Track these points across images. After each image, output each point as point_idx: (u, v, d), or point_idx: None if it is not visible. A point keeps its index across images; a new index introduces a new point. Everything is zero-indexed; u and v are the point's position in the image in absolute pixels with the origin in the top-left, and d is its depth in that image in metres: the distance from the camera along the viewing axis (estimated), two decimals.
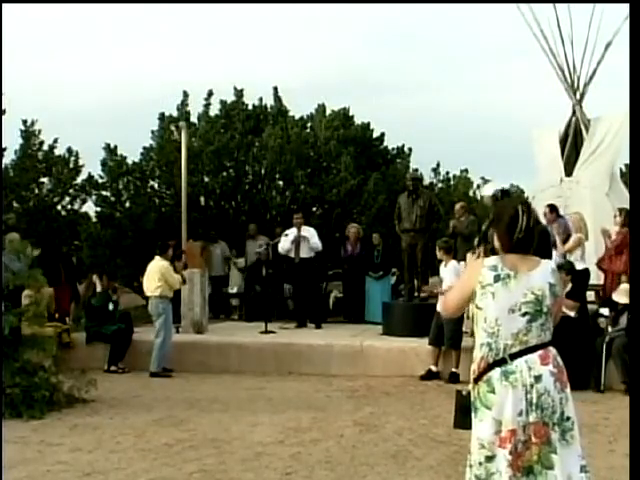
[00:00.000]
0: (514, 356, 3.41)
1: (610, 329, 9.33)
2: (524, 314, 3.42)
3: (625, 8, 11.30)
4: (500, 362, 3.42)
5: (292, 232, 12.62)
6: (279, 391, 9.20)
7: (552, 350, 3.49)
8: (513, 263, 3.48)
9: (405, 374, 9.97)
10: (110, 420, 7.67)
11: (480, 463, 3.42)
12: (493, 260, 3.52)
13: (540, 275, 3.48)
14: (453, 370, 9.78)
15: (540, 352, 3.43)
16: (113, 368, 10.59)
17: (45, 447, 6.62)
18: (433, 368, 9.92)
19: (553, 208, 11.16)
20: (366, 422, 7.51)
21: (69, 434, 7.11)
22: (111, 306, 11.34)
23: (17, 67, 30.21)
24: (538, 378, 3.38)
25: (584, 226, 10.71)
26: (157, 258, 10.59)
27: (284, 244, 12.61)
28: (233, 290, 14.72)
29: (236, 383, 9.69)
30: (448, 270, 10.03)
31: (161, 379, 9.99)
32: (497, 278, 3.45)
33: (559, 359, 3.50)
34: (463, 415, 3.55)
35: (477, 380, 3.49)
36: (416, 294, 11.69)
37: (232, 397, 8.82)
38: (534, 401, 3.36)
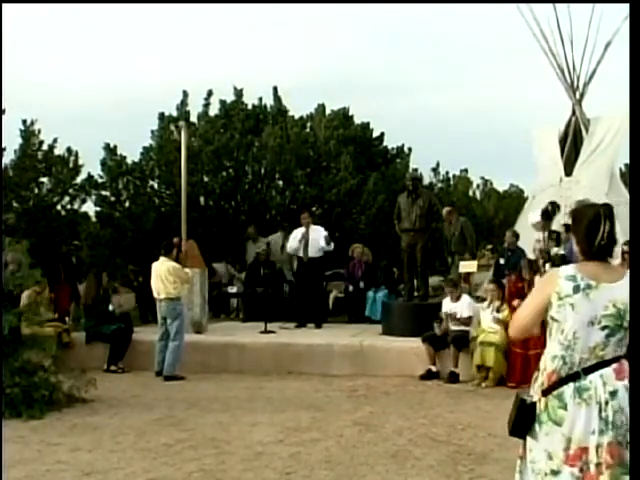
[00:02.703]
0: (588, 370, 3.25)
1: None
2: (603, 328, 3.24)
3: (625, 8, 11.30)
4: (574, 377, 3.25)
5: (299, 231, 12.65)
6: (279, 391, 9.20)
7: (626, 363, 3.31)
8: (594, 272, 3.27)
9: (405, 374, 9.96)
10: (110, 420, 7.67)
11: (546, 474, 3.29)
12: (570, 269, 3.30)
13: (625, 288, 3.26)
14: (452, 370, 9.79)
15: (615, 366, 3.27)
16: (113, 368, 10.58)
17: (45, 447, 6.63)
18: (433, 368, 9.93)
19: (569, 228, 11.23)
20: (366, 422, 7.51)
21: (69, 434, 7.11)
22: (111, 307, 11.34)
23: (17, 67, 30.18)
24: (613, 394, 3.22)
25: None
26: (162, 259, 10.44)
27: (292, 243, 12.67)
28: (233, 290, 14.72)
29: (236, 383, 9.69)
30: (463, 305, 10.23)
31: (160, 380, 9.98)
32: (577, 289, 3.24)
33: None
34: (523, 425, 3.35)
35: (546, 393, 3.30)
36: (416, 294, 11.70)
37: (232, 397, 8.82)
38: (610, 419, 3.20)
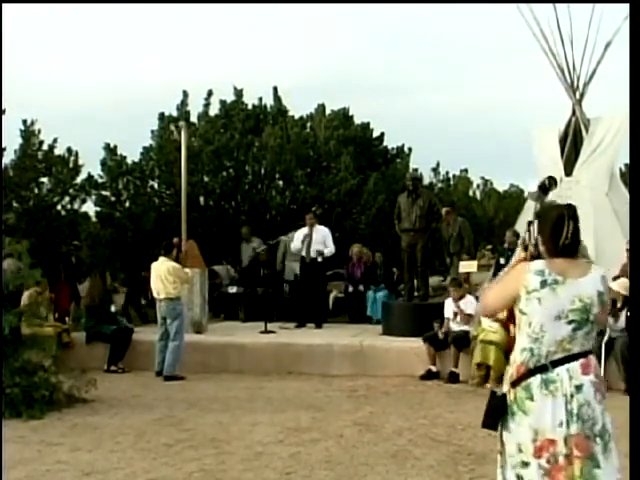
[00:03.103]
0: (556, 363, 3.34)
1: (609, 327, 9.32)
2: (570, 322, 3.33)
3: (625, 8, 11.28)
4: (541, 369, 3.35)
5: (302, 232, 12.68)
6: (279, 391, 9.20)
7: (593, 359, 3.40)
8: (561, 268, 3.37)
9: (405, 374, 9.96)
10: (110, 420, 7.67)
11: (512, 467, 3.37)
12: (539, 264, 3.40)
13: (590, 283, 3.38)
14: (452, 370, 9.79)
15: (582, 360, 3.36)
16: (113, 368, 10.58)
17: (45, 447, 6.63)
18: (433, 368, 9.93)
19: None
20: (366, 422, 7.51)
21: (69, 434, 7.11)
22: (113, 308, 11.33)
23: (17, 67, 30.18)
24: (579, 388, 3.31)
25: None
26: (162, 259, 10.44)
27: (296, 244, 12.71)
28: (233, 290, 14.72)
29: (236, 383, 9.69)
30: (466, 303, 10.22)
31: (160, 380, 9.98)
32: (544, 284, 3.34)
33: (599, 368, 3.43)
34: (494, 416, 3.45)
35: (515, 384, 3.40)
36: (416, 294, 11.69)
37: (232, 397, 8.82)
38: (575, 412, 3.28)
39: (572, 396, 3.30)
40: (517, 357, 3.44)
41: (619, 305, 9.32)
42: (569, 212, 3.45)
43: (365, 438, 6.88)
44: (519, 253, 3.65)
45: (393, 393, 9.11)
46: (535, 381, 3.34)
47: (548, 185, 4.05)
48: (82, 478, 5.75)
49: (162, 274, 10.27)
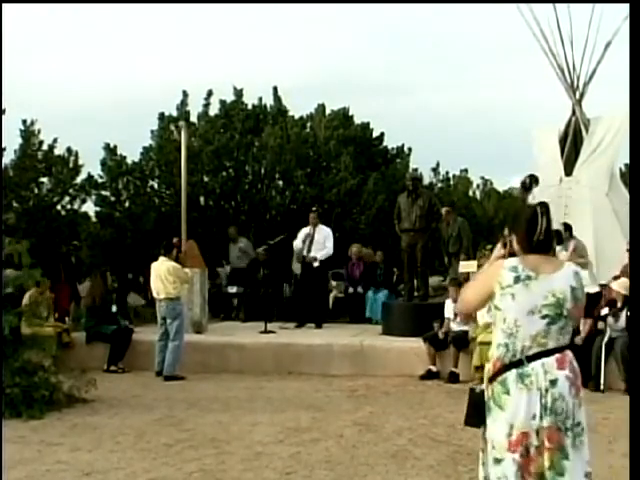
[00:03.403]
0: (531, 358, 3.38)
1: (610, 327, 9.32)
2: (544, 317, 3.38)
3: (625, 8, 11.30)
4: (516, 364, 3.39)
5: (303, 231, 12.71)
6: (279, 391, 9.20)
7: (569, 354, 3.44)
8: (535, 264, 3.43)
9: (405, 374, 9.97)
10: (110, 420, 7.67)
11: (491, 464, 3.42)
12: (513, 261, 3.47)
13: (562, 278, 3.43)
14: (452, 370, 9.79)
15: (557, 355, 3.39)
16: (113, 368, 10.58)
17: (45, 447, 6.62)
18: (433, 368, 9.93)
19: (567, 227, 11.13)
20: (366, 422, 7.51)
21: (69, 434, 7.11)
22: (114, 308, 11.33)
23: (17, 67, 30.18)
24: (554, 382, 3.35)
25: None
26: (162, 259, 10.44)
27: (297, 243, 12.74)
28: (233, 290, 14.72)
29: (236, 383, 9.69)
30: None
31: (160, 380, 9.98)
32: (517, 279, 3.40)
33: (575, 363, 3.46)
34: (474, 413, 3.52)
35: (492, 380, 3.45)
36: (416, 294, 11.69)
37: (232, 397, 8.82)
38: (548, 405, 3.33)
39: (547, 390, 3.35)
40: (494, 353, 3.49)
41: (619, 305, 9.32)
42: (542, 209, 3.52)
43: (365, 438, 6.88)
44: (498, 249, 3.69)
45: (393, 393, 9.11)
46: (511, 375, 3.39)
47: (529, 184, 4.09)
48: (82, 478, 5.74)
49: (162, 274, 10.27)
